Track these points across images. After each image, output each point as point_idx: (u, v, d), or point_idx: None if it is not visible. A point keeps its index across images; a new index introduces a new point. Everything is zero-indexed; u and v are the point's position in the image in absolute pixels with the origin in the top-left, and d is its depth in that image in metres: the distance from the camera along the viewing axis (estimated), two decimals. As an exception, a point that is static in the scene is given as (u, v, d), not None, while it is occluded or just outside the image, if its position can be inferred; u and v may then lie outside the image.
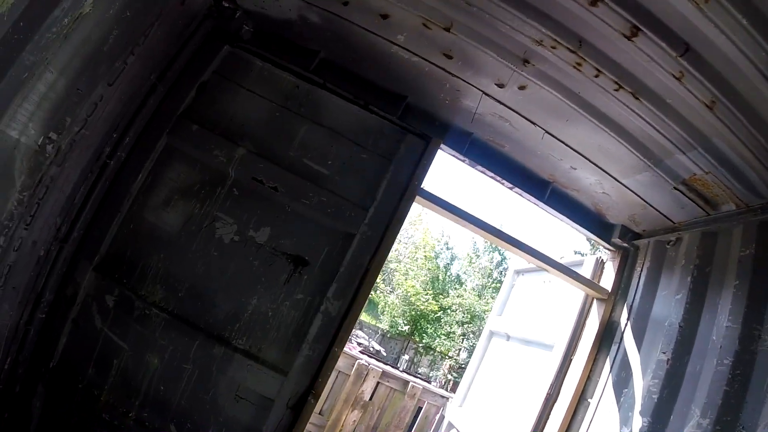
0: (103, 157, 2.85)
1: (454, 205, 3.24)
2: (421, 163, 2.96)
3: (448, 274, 26.51)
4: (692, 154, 2.61)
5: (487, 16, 2.35)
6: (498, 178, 3.33)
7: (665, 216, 3.18)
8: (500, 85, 2.72)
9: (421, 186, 3.00)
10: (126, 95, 2.79)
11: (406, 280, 24.12)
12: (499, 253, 25.57)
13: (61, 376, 2.86)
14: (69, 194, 2.74)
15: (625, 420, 2.92)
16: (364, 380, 6.00)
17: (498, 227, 3.36)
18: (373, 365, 6.14)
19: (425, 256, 25.70)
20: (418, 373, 16.90)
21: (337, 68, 3.11)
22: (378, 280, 24.34)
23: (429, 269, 25.25)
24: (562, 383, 3.50)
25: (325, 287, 2.83)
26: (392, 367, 7.84)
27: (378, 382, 6.10)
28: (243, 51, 3.03)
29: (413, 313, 23.12)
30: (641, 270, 3.43)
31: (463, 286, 25.03)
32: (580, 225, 3.56)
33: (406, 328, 23.29)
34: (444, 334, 22.04)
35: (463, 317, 21.85)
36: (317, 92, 3.01)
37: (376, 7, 2.59)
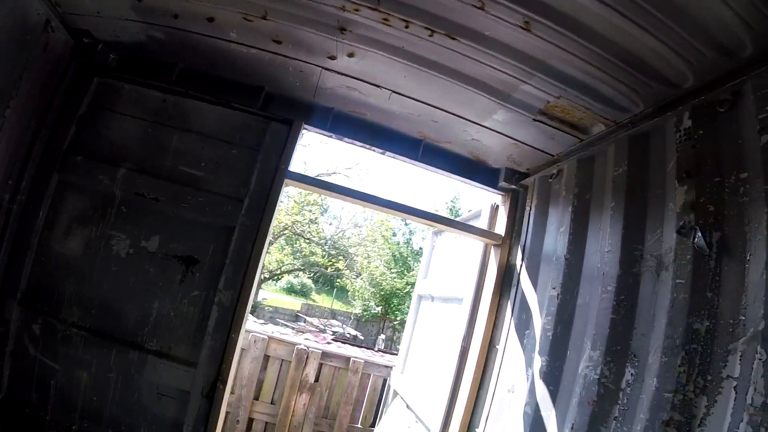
0: (5, 204, 3.13)
1: (321, 180, 3.36)
2: (286, 147, 3.10)
3: (410, 248, 26.40)
4: (534, 81, 2.56)
5: (290, -5, 2.42)
6: (366, 146, 3.39)
7: (542, 150, 3.14)
8: (332, 57, 2.79)
9: (289, 168, 3.12)
10: (11, 146, 3.05)
11: (369, 263, 24.20)
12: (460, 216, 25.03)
13: (10, 406, 3.17)
14: (-20, 244, 3.03)
15: (529, 361, 2.93)
16: (305, 364, 6.18)
17: (374, 194, 3.40)
18: (312, 348, 6.31)
19: (383, 235, 25.64)
20: (398, 350, 17.00)
21: (198, 75, 3.26)
22: (342, 267, 24.65)
23: (390, 248, 25.24)
24: (472, 334, 3.54)
25: (216, 280, 3.04)
26: (367, 348, 7.99)
27: (321, 363, 6.27)
28: (111, 79, 3.24)
29: (382, 293, 23.23)
30: (530, 209, 3.39)
31: None
32: (463, 176, 3.56)
33: (379, 309, 23.42)
34: None
35: None
36: (182, 101, 3.19)
37: (201, 12, 2.72)
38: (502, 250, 3.53)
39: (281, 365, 6.19)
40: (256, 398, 6.03)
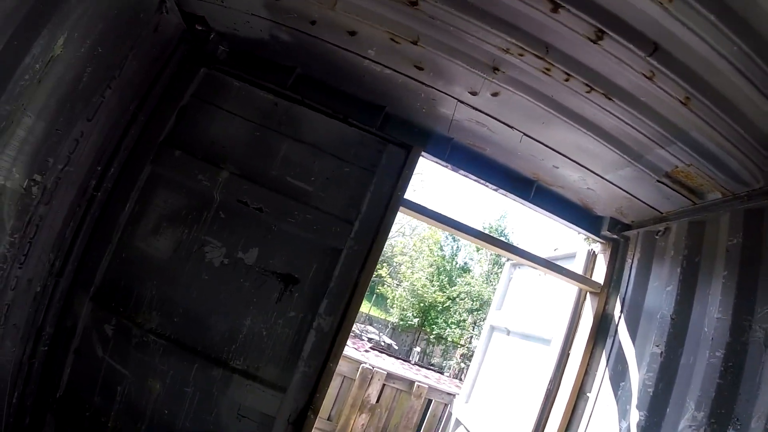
0: (90, 190, 2.89)
1: (437, 212, 3.26)
2: (403, 173, 2.98)
3: (455, 263, 26.43)
4: (671, 148, 2.60)
5: (452, 28, 2.34)
6: (482, 181, 3.34)
7: (652, 207, 3.17)
8: (473, 93, 2.72)
9: (404, 195, 3.00)
10: (106, 128, 2.83)
11: (412, 273, 24.17)
12: (506, 238, 25.41)
13: (68, 405, 2.94)
14: (59, 230, 2.79)
15: (624, 413, 2.94)
16: (369, 383, 6.09)
17: (482, 230, 3.38)
18: (378, 368, 6.21)
19: (429, 248, 25.69)
20: (431, 364, 17.02)
21: (315, 83, 3.11)
22: (385, 274, 24.49)
23: (434, 260, 25.22)
24: (561, 378, 3.54)
25: (316, 304, 2.88)
26: (403, 360, 7.92)
27: (384, 384, 6.19)
28: (220, 72, 3.04)
29: (422, 304, 23.20)
30: (632, 261, 3.43)
31: (470, 273, 24.93)
32: (568, 220, 3.57)
33: (416, 320, 23.39)
34: (454, 323, 22.07)
35: (472, 305, 21.83)
36: (296, 109, 3.02)
37: (344, 24, 2.58)
38: (599, 298, 3.54)
39: (343, 382, 6.02)
40: None
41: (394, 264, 25.79)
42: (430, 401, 6.47)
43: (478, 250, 25.42)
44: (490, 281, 22.90)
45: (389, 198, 2.96)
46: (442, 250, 26.22)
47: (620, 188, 3.10)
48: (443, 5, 2.23)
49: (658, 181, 2.87)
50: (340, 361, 5.84)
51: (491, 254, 24.08)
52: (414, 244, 26.15)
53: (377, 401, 6.16)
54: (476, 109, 2.85)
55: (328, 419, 5.93)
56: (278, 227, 2.92)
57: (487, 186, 3.36)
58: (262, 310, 2.89)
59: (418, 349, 20.64)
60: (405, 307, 23.53)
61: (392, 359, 7.33)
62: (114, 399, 2.91)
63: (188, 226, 2.92)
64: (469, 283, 22.93)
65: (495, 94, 2.68)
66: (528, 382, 3.86)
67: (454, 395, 6.36)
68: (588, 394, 3.33)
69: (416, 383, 6.36)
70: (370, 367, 6.15)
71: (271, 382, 2.85)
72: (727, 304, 2.60)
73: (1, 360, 2.69)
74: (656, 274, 3.15)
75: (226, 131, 3.01)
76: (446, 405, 6.43)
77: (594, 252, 3.78)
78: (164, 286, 2.91)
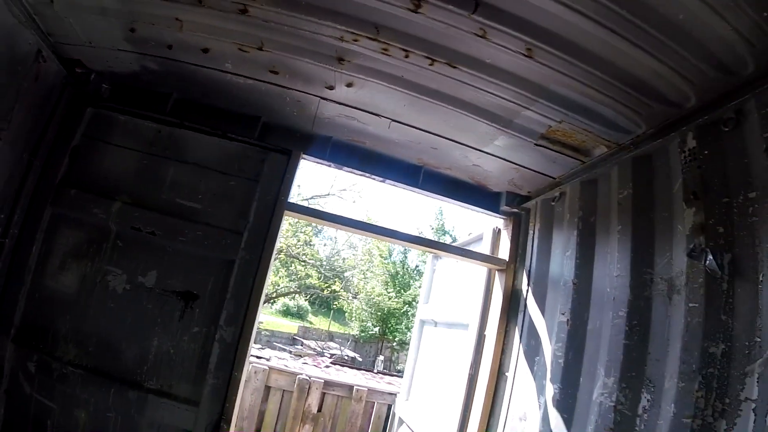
0: (-2, 239, 3.05)
1: (320, 211, 3.31)
2: (285, 177, 3.04)
3: (406, 267, 26.27)
4: (536, 107, 2.54)
5: (287, 27, 2.39)
6: (367, 174, 3.35)
7: (543, 174, 3.11)
8: (330, 87, 2.76)
9: (288, 199, 3.06)
10: (4, 177, 2.98)
11: (365, 283, 24.09)
12: (449, 235, 25.05)
13: (6, 445, 3.08)
14: (-28, 280, 2.95)
15: (541, 389, 2.87)
16: (308, 393, 6.10)
17: (367, 222, 3.38)
18: (315, 377, 6.22)
19: (380, 256, 25.52)
20: (398, 371, 16.83)
21: (192, 105, 3.21)
22: (338, 288, 24.56)
23: (386, 267, 25.15)
24: (480, 360, 3.47)
25: (216, 316, 2.96)
26: (366, 370, 7.89)
27: (323, 393, 6.19)
28: (105, 109, 3.19)
29: (380, 313, 23.14)
30: (534, 233, 3.35)
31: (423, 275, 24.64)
32: (465, 201, 3.53)
33: (377, 329, 23.31)
34: None
35: None
36: (178, 132, 3.13)
37: (196, 43, 2.68)
38: (507, 275, 3.49)
39: (283, 396, 6.09)
40: (258, 430, 5.90)
41: (346, 277, 25.78)
42: (373, 404, 6.41)
43: (424, 252, 24.98)
44: None
45: (274, 204, 3.03)
46: (391, 256, 25.99)
47: (504, 159, 3.05)
48: (271, 7, 2.28)
49: (537, 144, 2.81)
50: (277, 376, 5.99)
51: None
52: (364, 254, 26.07)
53: (319, 410, 6.16)
54: (340, 103, 2.88)
55: None
56: (172, 247, 3.02)
57: (373, 179, 3.37)
58: (167, 329, 2.98)
59: (381, 357, 20.47)
60: (364, 318, 23.55)
61: (354, 371, 7.30)
62: (46, 433, 3.03)
63: (90, 259, 3.05)
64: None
65: (350, 85, 2.71)
66: (454, 370, 3.80)
67: (395, 395, 6.28)
68: (507, 374, 3.26)
69: (355, 387, 6.34)
70: (307, 378, 6.16)
71: (185, 398, 2.93)
72: (624, 259, 2.51)
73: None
74: (557, 241, 3.06)
75: (116, 164, 3.14)
76: (390, 405, 6.35)
77: (499, 229, 3.71)
78: (76, 318, 3.03)
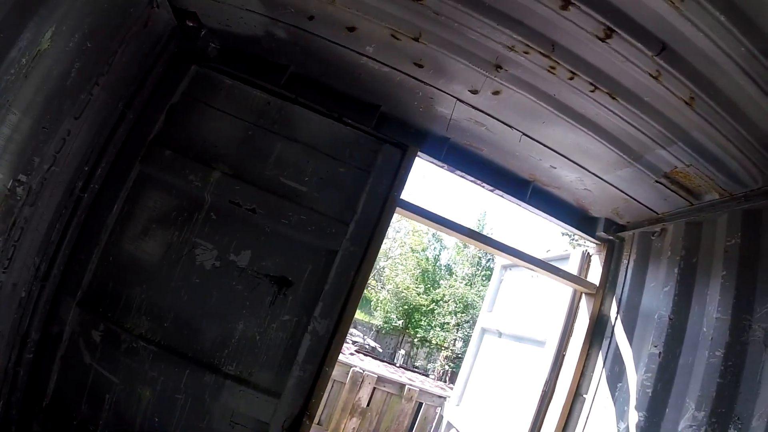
0: (76, 191, 2.79)
1: (433, 213, 3.21)
2: (399, 173, 2.92)
3: (438, 265, 26.40)
4: (672, 148, 2.58)
5: (456, 24, 2.29)
6: (478, 182, 3.30)
7: (648, 208, 3.15)
8: (474, 92, 2.67)
9: (401, 196, 2.95)
10: (94, 126, 2.73)
11: (396, 275, 24.10)
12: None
13: (55, 414, 2.84)
14: (45, 233, 2.69)
15: (621, 415, 2.92)
16: (360, 387, 6.04)
17: (476, 230, 3.35)
18: (368, 371, 6.16)
19: (412, 250, 25.56)
20: (416, 367, 17.01)
21: (309, 82, 3.05)
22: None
23: (418, 262, 25.15)
24: (556, 379, 3.51)
25: (311, 307, 2.81)
26: (388, 363, 7.88)
27: (374, 388, 6.14)
28: (211, 70, 2.96)
29: (405, 307, 23.17)
30: (628, 262, 3.41)
31: (454, 275, 24.78)
32: (564, 221, 3.55)
33: (400, 322, 23.38)
34: (438, 325, 22.09)
35: (455, 307, 21.81)
36: (290, 108, 2.95)
37: (343, 20, 2.52)
38: (595, 299, 3.51)
39: (333, 385, 5.94)
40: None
41: (378, 267, 25.75)
42: (420, 404, 6.44)
43: (459, 253, 25.24)
44: (473, 283, 22.88)
45: (385, 199, 2.90)
46: (425, 252, 26.11)
47: (618, 189, 3.07)
48: (450, 1, 2.18)
49: (657, 181, 2.85)
50: None
51: (473, 256, 24.04)
52: (398, 246, 26.07)
53: (368, 405, 6.12)
54: (476, 108, 2.80)
55: (318, 423, 5.85)
56: (272, 229, 2.85)
57: (483, 187, 3.32)
58: (255, 313, 2.81)
59: (402, 351, 20.60)
60: (389, 309, 23.53)
61: (377, 362, 7.28)
62: (102, 407, 2.81)
63: (178, 228, 2.84)
64: (453, 285, 22.91)
65: (496, 93, 2.63)
66: (522, 385, 3.83)
67: (445, 398, 6.32)
68: (584, 396, 3.31)
69: (407, 386, 6.33)
70: (361, 371, 6.09)
71: (265, 388, 2.77)
72: (726, 304, 2.60)
73: (-15, 368, 2.60)
74: (653, 274, 3.13)
75: (217, 130, 2.93)
76: (437, 408, 6.39)
77: (588, 253, 3.76)
78: (154, 290, 2.82)
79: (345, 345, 8.72)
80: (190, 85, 2.94)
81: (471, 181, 3.29)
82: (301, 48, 2.82)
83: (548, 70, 2.35)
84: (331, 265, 2.83)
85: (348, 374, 6.02)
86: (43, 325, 2.83)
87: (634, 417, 2.83)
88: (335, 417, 5.91)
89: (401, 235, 26.87)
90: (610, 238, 3.58)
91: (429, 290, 23.49)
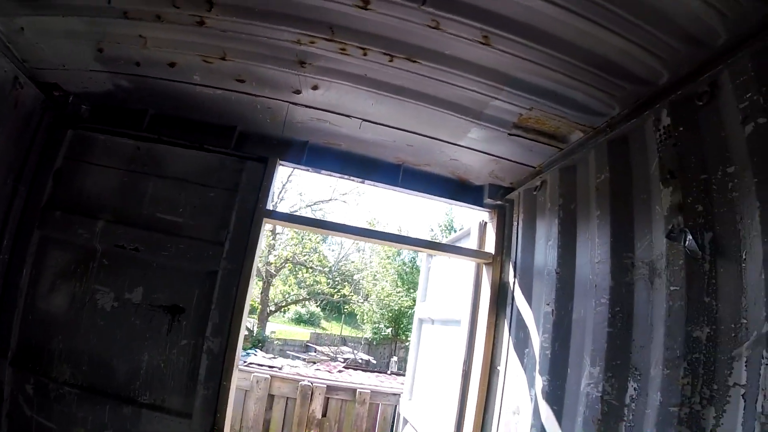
0: (-12, 264, 3.11)
1: (304, 217, 3.31)
2: (263, 185, 3.05)
3: (415, 266, 25.84)
4: (503, 95, 2.50)
5: (244, 35, 2.40)
6: (346, 176, 3.34)
7: (522, 164, 3.06)
8: (297, 92, 2.76)
9: (267, 207, 3.06)
10: (-9, 205, 3.04)
11: (375, 285, 23.89)
12: (455, 231, 24.65)
13: (10, 467, 3.13)
14: (-34, 306, 3.01)
15: (531, 381, 2.82)
16: (311, 399, 6.08)
17: (360, 226, 3.36)
18: (317, 383, 6.19)
19: (387, 257, 25.30)
20: None
21: (168, 119, 3.24)
22: (348, 292, 24.34)
23: (395, 268, 24.89)
24: (473, 356, 3.43)
25: (203, 328, 2.98)
26: (379, 372, 7.87)
27: (327, 398, 6.17)
28: (85, 130, 3.23)
29: (391, 314, 22.89)
30: (518, 224, 3.30)
31: None
32: (448, 197, 3.49)
33: (389, 330, 23.08)
34: None
35: None
36: (156, 147, 3.16)
37: (161, 58, 2.70)
38: (493, 269, 3.44)
39: (287, 403, 6.10)
40: None
41: (356, 280, 25.63)
42: (378, 405, 6.36)
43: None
44: None
45: (253, 212, 3.03)
46: (399, 255, 25.73)
47: (480, 151, 3.01)
48: (226, 17, 2.29)
49: (510, 134, 2.77)
50: (280, 384, 5.99)
51: None
52: (370, 258, 25.87)
53: (324, 415, 6.15)
54: (309, 107, 2.88)
55: None
56: (156, 262, 3.05)
57: (353, 180, 3.35)
58: (156, 343, 3.00)
59: (395, 358, 20.26)
60: (376, 320, 23.35)
61: (367, 374, 7.28)
62: (50, 455, 3.08)
63: (78, 279, 3.09)
64: None
65: (315, 88, 2.70)
66: (450, 367, 3.76)
67: (398, 395, 6.23)
68: (498, 368, 3.21)
69: (358, 390, 6.31)
70: (309, 383, 6.15)
71: (177, 411, 2.95)
72: (604, 245, 2.45)
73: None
74: (540, 231, 3.01)
75: (98, 183, 3.18)
76: (395, 406, 6.31)
77: (484, 222, 3.65)
78: (68, 338, 3.08)
79: (333, 364, 8.80)
80: (69, 148, 3.22)
81: (339, 176, 3.34)
82: (147, 91, 3.02)
83: (341, 53, 2.38)
84: (214, 286, 2.99)
85: (297, 389, 6.08)
86: (-15, 390, 3.14)
87: (539, 382, 2.71)
88: None
89: (369, 246, 26.62)
90: (499, 203, 3.48)
91: (410, 292, 23.14)
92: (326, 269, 24.07)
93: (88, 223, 3.10)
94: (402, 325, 23.21)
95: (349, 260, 26.84)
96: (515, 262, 3.23)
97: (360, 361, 14.54)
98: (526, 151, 2.91)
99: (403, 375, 8.20)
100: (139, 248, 3.04)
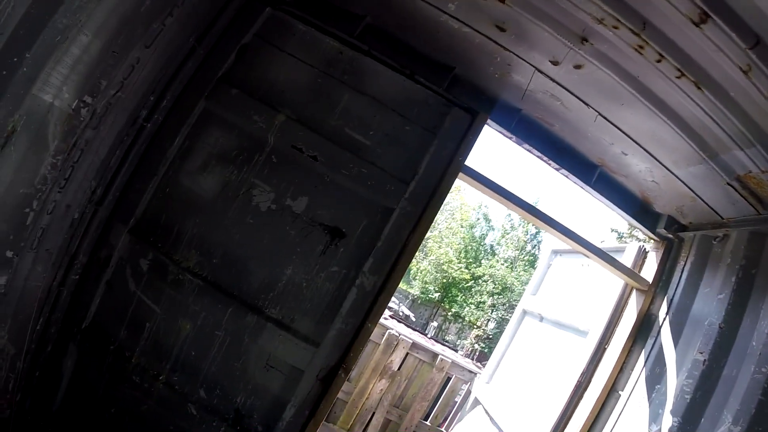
0: (140, 120, 2.79)
1: (495, 183, 3.15)
2: (465, 139, 2.86)
3: (483, 244, 25.71)
4: (750, 151, 2.45)
5: (544, -13, 2.22)
6: (545, 158, 3.22)
7: (714, 210, 3.04)
8: (555, 63, 2.59)
9: (465, 162, 2.90)
10: (164, 57, 2.72)
11: (439, 247, 23.73)
12: (534, 226, 25.01)
13: (92, 337, 2.87)
14: (104, 157, 2.70)
15: (655, 417, 2.85)
16: (393, 350, 6.01)
17: (535, 206, 3.27)
18: (404, 335, 6.12)
19: (461, 225, 25.13)
20: (446, 341, 16.88)
21: (383, 35, 2.98)
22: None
23: (463, 238, 24.66)
24: (594, 372, 3.44)
25: (361, 261, 2.78)
26: (420, 333, 7.85)
27: (407, 353, 6.11)
28: (285, 14, 2.92)
29: (445, 280, 22.82)
30: (684, 264, 3.30)
31: (496, 256, 24.25)
32: (625, 212, 3.45)
33: (437, 295, 23.05)
34: (474, 304, 21.68)
35: (494, 288, 21.36)
36: (361, 59, 2.90)
37: (427, -30, 2.47)
38: (646, 297, 3.43)
39: (367, 345, 5.94)
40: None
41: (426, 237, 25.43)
42: (450, 377, 6.40)
43: (504, 236, 24.56)
44: (515, 267, 22.46)
45: (449, 163, 2.84)
46: (473, 229, 25.64)
47: (687, 185, 2.97)
48: None
49: (728, 183, 2.73)
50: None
51: (518, 240, 23.58)
52: (445, 219, 25.55)
53: (399, 369, 6.10)
54: (554, 81, 2.72)
55: (347, 380, 5.89)
56: (331, 178, 2.82)
57: (549, 164, 3.23)
58: (305, 261, 2.79)
59: (434, 324, 20.30)
60: (427, 280, 23.23)
61: (410, 330, 7.25)
62: (141, 335, 2.83)
63: (238, 168, 2.82)
64: (494, 266, 22.47)
65: (578, 67, 2.55)
66: (557, 372, 3.77)
67: (475, 374, 6.30)
68: (620, 392, 3.23)
69: (440, 356, 6.27)
70: (396, 334, 6.05)
71: (305, 335, 2.76)
72: None
73: (30, 284, 2.61)
74: (708, 280, 3.03)
75: (286, 75, 2.89)
76: (466, 382, 6.37)
77: (645, 249, 3.67)
78: (206, 225, 2.81)
79: None
80: (263, 27, 2.91)
81: (538, 156, 3.21)
82: (378, -1, 2.77)
83: (636, 49, 2.24)
84: (386, 223, 2.79)
85: (383, 336, 6.00)
86: (92, 249, 2.85)
87: (668, 421, 2.75)
88: (365, 376, 5.91)
89: (449, 208, 26.35)
90: (670, 236, 3.47)
91: (470, 266, 23.11)
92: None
93: (267, 112, 2.81)
94: (450, 295, 22.80)
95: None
96: (671, 299, 3.25)
97: (401, 314, 14.28)
98: (727, 203, 2.90)
99: (441, 343, 8.21)
100: (318, 157, 2.79)
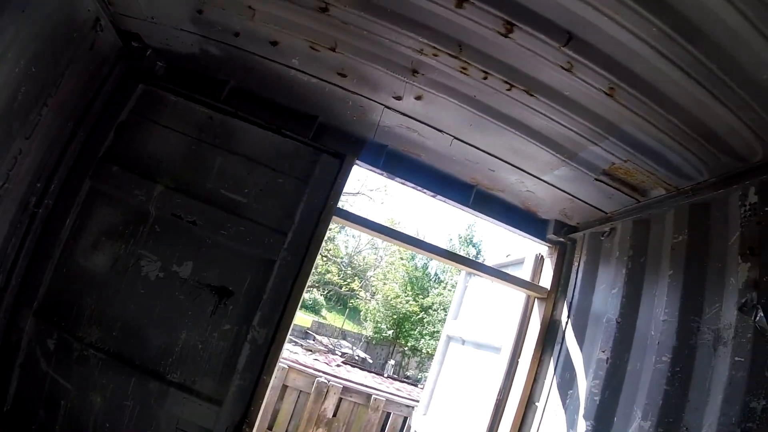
0: (30, 206, 2.94)
1: (370, 221, 3.24)
2: (336, 182, 2.98)
3: (426, 273, 26.21)
4: (605, 144, 2.52)
5: (366, 32, 2.34)
6: (419, 188, 3.30)
7: (596, 207, 3.09)
8: (398, 98, 2.71)
9: (337, 205, 3.01)
10: (45, 144, 2.87)
11: (384, 284, 23.96)
12: (474, 247, 24.99)
13: (14, 419, 2.97)
14: (1, 246, 2.84)
15: (572, 423, 2.84)
16: (325, 397, 6.01)
17: (420, 238, 3.34)
18: (334, 381, 6.14)
19: (400, 258, 25.43)
20: (407, 377, 16.79)
21: (249, 95, 3.14)
22: (357, 288, 24.13)
23: (406, 270, 25.02)
24: (510, 387, 3.45)
25: (250, 316, 2.88)
26: (376, 373, 7.83)
27: (340, 398, 6.11)
28: (157, 88, 3.09)
29: (395, 316, 23.02)
30: (579, 264, 3.33)
31: (443, 284, 24.61)
32: (512, 225, 3.50)
33: (390, 332, 23.17)
34: (428, 335, 21.87)
35: (445, 315, 21.40)
36: (230, 121, 3.05)
37: (264, 35, 2.61)
38: (546, 304, 3.46)
39: (299, 396, 5.97)
40: (270, 428, 5.77)
41: (366, 277, 25.63)
42: (389, 414, 6.35)
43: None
44: None
45: (322, 208, 2.96)
46: (413, 260, 25.86)
47: (560, 189, 3.03)
48: (353, 9, 2.21)
49: (597, 179, 2.79)
50: (296, 376, 5.89)
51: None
52: (386, 256, 25.90)
53: (334, 415, 6.08)
54: (404, 114, 2.83)
55: None
56: (212, 240, 2.94)
57: (425, 193, 3.32)
58: (197, 323, 2.90)
59: (392, 362, 20.32)
60: (379, 319, 23.40)
61: (365, 373, 7.23)
62: (58, 413, 2.93)
63: (125, 241, 2.96)
64: (442, 294, 22.66)
65: (418, 98, 2.67)
66: (481, 393, 3.77)
67: (413, 407, 6.24)
68: (536, 404, 3.23)
69: (373, 396, 6.25)
70: (326, 381, 6.07)
71: (208, 396, 2.85)
72: (673, 305, 2.48)
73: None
74: (603, 276, 3.05)
75: (162, 146, 3.05)
76: (406, 417, 6.31)
77: (542, 256, 3.70)
78: (103, 300, 2.94)
79: (332, 357, 8.71)
80: (137, 103, 3.08)
81: (412, 187, 3.30)
82: (235, 63, 2.92)
83: (461, 71, 2.34)
84: (269, 275, 2.90)
85: (313, 384, 6.01)
86: (2, 334, 2.97)
87: (582, 426, 2.73)
88: (301, 428, 5.90)
89: (383, 244, 26.68)
90: (561, 240, 3.51)
91: (417, 298, 23.30)
92: (339, 260, 23.51)
93: (146, 185, 2.96)
94: (404, 330, 23.03)
95: (362, 255, 26.50)
96: (571, 302, 3.27)
97: (357, 358, 14.32)
98: (604, 197, 2.95)
99: (399, 380, 8.19)
100: (197, 222, 2.92)
